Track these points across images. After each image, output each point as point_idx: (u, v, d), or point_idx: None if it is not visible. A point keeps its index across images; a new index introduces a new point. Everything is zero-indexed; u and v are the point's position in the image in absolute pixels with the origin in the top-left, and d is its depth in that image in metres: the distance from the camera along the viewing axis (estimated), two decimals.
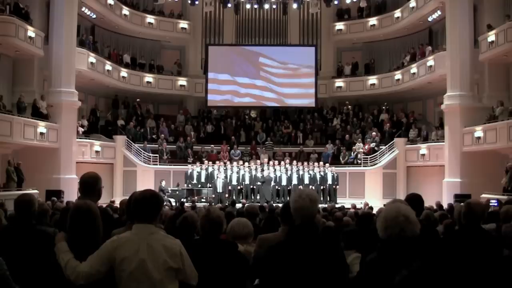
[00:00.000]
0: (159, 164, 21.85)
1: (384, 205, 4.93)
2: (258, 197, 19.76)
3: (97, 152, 20.63)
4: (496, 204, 6.97)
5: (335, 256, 3.00)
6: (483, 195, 14.78)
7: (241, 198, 19.31)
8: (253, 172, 20.24)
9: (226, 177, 19.90)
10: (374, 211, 8.96)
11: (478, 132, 17.47)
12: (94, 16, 22.54)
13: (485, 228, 4.60)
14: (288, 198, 11.41)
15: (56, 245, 3.21)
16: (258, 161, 21.24)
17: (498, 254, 3.95)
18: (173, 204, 16.07)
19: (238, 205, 12.82)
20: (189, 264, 3.15)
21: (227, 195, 19.45)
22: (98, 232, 3.27)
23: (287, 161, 21.37)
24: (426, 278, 2.51)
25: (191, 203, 13.83)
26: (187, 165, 21.04)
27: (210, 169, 20.38)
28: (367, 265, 2.79)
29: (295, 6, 24.88)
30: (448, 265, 2.59)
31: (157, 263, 3.02)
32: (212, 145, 22.97)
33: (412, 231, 2.66)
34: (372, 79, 25.00)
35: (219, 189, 19.47)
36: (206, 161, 20.97)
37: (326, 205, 13.50)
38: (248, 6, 25.83)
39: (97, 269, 3.01)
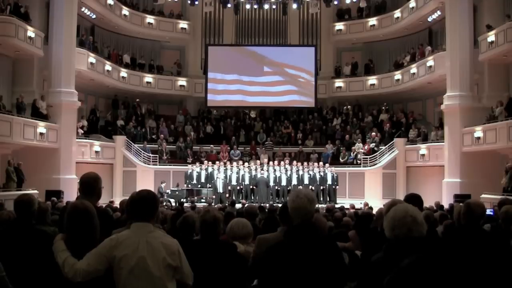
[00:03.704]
0: (159, 164, 21.84)
1: (384, 205, 4.93)
2: (256, 198, 19.71)
3: (96, 152, 20.62)
4: (492, 214, 6.98)
5: (333, 256, 3.00)
6: (483, 195, 14.80)
7: (240, 198, 19.30)
8: (253, 173, 20.22)
9: (226, 177, 19.88)
10: (374, 211, 8.95)
11: (478, 132, 17.46)
12: (94, 16, 22.54)
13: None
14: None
15: (53, 244, 3.22)
16: (258, 161, 21.23)
17: (499, 254, 3.93)
18: (173, 204, 16.05)
19: (238, 205, 12.82)
20: (186, 263, 3.17)
21: (227, 195, 19.43)
22: (95, 232, 3.27)
23: (287, 161, 21.36)
24: (418, 276, 2.51)
25: (190, 203, 13.84)
26: (186, 165, 21.04)
27: (209, 169, 20.37)
28: (372, 265, 2.80)
29: (295, 6, 24.86)
30: (443, 264, 2.58)
31: (157, 260, 3.04)
32: (212, 145, 22.97)
33: (419, 232, 2.67)
34: (372, 79, 24.98)
35: (220, 189, 19.45)
36: (205, 161, 20.98)
37: (325, 205, 13.48)
38: (248, 6, 25.82)
39: (95, 267, 3.02)
